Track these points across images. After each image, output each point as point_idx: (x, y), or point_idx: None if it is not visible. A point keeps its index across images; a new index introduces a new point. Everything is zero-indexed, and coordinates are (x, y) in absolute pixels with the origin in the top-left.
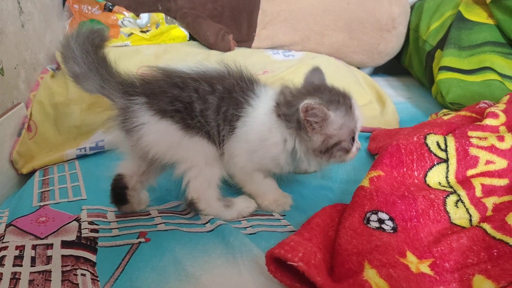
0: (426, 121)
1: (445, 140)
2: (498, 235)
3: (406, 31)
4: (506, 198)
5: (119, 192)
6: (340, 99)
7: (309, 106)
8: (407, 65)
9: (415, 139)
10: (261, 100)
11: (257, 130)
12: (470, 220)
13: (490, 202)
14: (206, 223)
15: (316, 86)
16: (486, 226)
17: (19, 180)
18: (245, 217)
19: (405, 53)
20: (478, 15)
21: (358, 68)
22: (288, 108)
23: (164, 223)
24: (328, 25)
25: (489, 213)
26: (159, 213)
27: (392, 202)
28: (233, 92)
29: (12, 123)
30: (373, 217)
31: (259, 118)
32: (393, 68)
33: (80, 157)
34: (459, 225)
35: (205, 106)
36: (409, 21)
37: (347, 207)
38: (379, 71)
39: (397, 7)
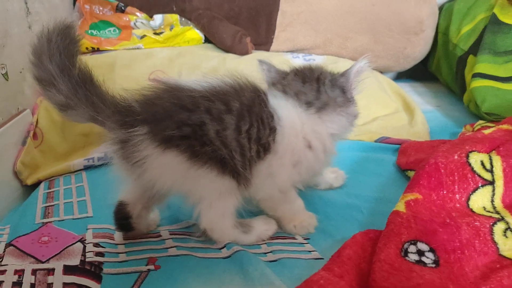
0: (466, 135)
1: (491, 159)
2: None
3: (434, 34)
4: None
5: (123, 222)
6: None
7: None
8: (435, 70)
9: (456, 157)
10: (279, 105)
11: (300, 139)
12: None
13: None
14: (222, 248)
15: (302, 67)
16: None
17: (24, 191)
18: (264, 240)
19: (432, 57)
20: None
21: (381, 72)
22: (316, 91)
23: (175, 246)
24: (352, 27)
25: None
26: (170, 234)
27: (432, 231)
28: (254, 106)
29: (16, 131)
30: (412, 248)
31: (294, 125)
32: (417, 72)
33: (87, 167)
34: (509, 258)
35: (222, 126)
36: (437, 24)
37: (381, 235)
38: (403, 75)
39: (426, 8)
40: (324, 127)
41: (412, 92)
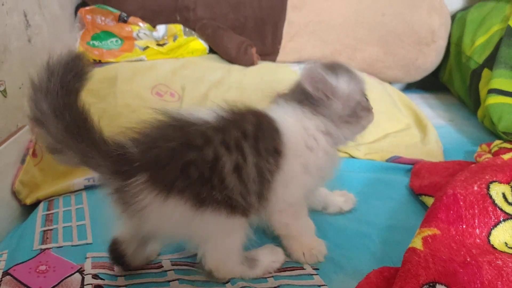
0: (485, 162)
1: None
2: None
3: (446, 45)
4: None
5: (118, 260)
6: (334, 65)
7: (311, 71)
8: (447, 81)
9: (475, 188)
10: (276, 110)
11: (298, 139)
12: None
13: None
14: (227, 282)
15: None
16: None
17: (22, 211)
18: (271, 273)
19: (443, 68)
20: None
21: (390, 83)
22: (299, 93)
23: (178, 279)
24: (361, 38)
25: None
26: (172, 265)
27: (452, 272)
28: (262, 124)
29: (15, 149)
30: None
31: (292, 126)
32: (427, 83)
33: (88, 187)
34: None
35: (242, 155)
36: (449, 34)
37: (397, 274)
38: (412, 86)
39: (437, 18)
40: (311, 123)
41: (423, 105)
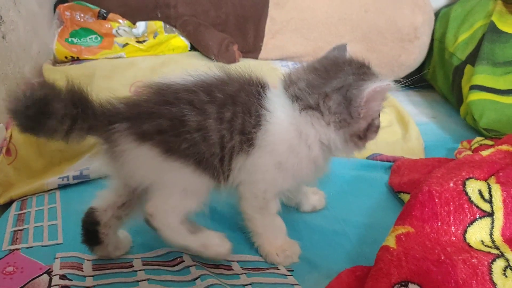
0: (463, 158)
1: (489, 188)
2: None
3: (430, 42)
4: None
5: (89, 229)
6: (366, 70)
7: (383, 89)
8: (430, 78)
9: (451, 185)
10: (275, 102)
11: (284, 140)
12: None
13: None
14: (196, 278)
15: (332, 61)
16: None
17: None
18: (209, 254)
19: (427, 65)
20: None
21: None
22: (321, 97)
23: (147, 279)
24: (344, 35)
25: None
26: (143, 264)
27: (425, 271)
28: (238, 97)
29: None
30: None
31: (283, 123)
32: (415, 81)
33: (63, 186)
34: None
35: (203, 117)
36: (433, 30)
37: (369, 273)
38: (398, 84)
39: (420, 15)
40: (313, 131)
41: (406, 102)
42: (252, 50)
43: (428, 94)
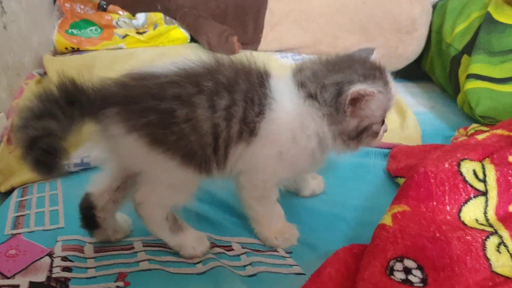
0: (458, 142)
1: (484, 168)
2: None
3: (428, 33)
4: None
5: (87, 214)
6: (376, 74)
7: (366, 94)
8: (428, 70)
9: (446, 166)
10: (281, 91)
11: (288, 129)
12: None
13: None
14: (198, 263)
15: (347, 57)
16: None
17: None
18: (183, 256)
19: (425, 57)
20: (510, 17)
21: None
22: (319, 87)
23: (148, 260)
24: (342, 26)
25: None
26: (143, 246)
27: (421, 247)
28: (236, 85)
29: None
30: (398, 266)
31: (288, 113)
32: (411, 72)
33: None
34: (502, 275)
35: (192, 108)
36: (430, 22)
37: (365, 250)
38: (396, 75)
39: (418, 6)
40: (312, 123)
41: (405, 93)
42: (251, 41)
43: (426, 85)
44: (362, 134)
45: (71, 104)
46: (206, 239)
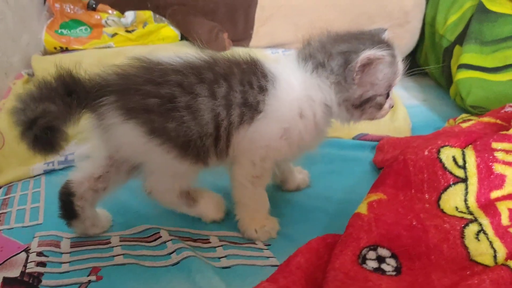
0: (441, 129)
1: (463, 155)
2: None
3: (421, 26)
4: None
5: (65, 201)
6: (383, 46)
7: (376, 58)
8: (423, 63)
9: (426, 153)
10: (280, 69)
11: (294, 106)
12: (495, 256)
13: None
14: (172, 252)
15: (359, 31)
16: None
17: None
18: (206, 221)
19: (420, 50)
20: (502, 6)
21: None
22: (327, 56)
23: (123, 254)
24: (333, 20)
25: None
26: (120, 241)
27: (396, 235)
28: (232, 73)
29: None
30: (371, 255)
31: (293, 89)
32: (409, 66)
33: (48, 172)
34: (480, 263)
35: (192, 95)
36: (424, 14)
37: (339, 239)
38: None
39: None
40: (320, 94)
41: (398, 87)
42: (242, 38)
43: (421, 79)
44: (366, 104)
45: (68, 94)
46: (222, 202)
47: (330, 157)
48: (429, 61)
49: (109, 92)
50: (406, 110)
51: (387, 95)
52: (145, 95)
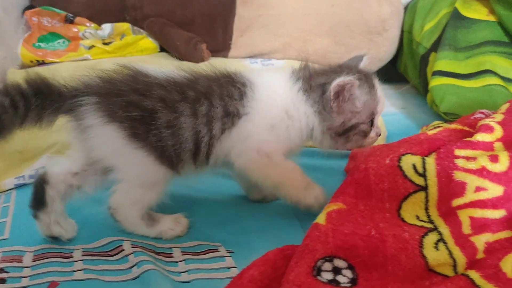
0: (407, 137)
1: (424, 162)
2: (490, 287)
3: (400, 33)
4: (502, 235)
5: (38, 188)
6: (362, 77)
7: (347, 85)
8: (403, 71)
9: (387, 161)
10: (264, 78)
11: (279, 105)
12: (454, 266)
13: (481, 240)
14: (133, 266)
15: (338, 65)
16: (474, 274)
17: None
18: (167, 239)
19: (400, 58)
20: (477, 12)
21: None
22: (309, 87)
23: (83, 269)
24: (311, 29)
25: (479, 255)
26: (83, 255)
27: (352, 245)
28: (211, 91)
29: None
30: (327, 266)
31: (277, 92)
32: (388, 74)
33: (20, 186)
34: (440, 274)
35: (175, 115)
36: (402, 23)
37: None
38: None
39: (388, 7)
40: (307, 106)
41: None
42: (221, 49)
43: (401, 86)
44: (349, 132)
45: (35, 94)
46: (183, 218)
47: (301, 166)
48: (408, 69)
49: (91, 93)
50: (381, 118)
51: (371, 123)
52: (129, 103)
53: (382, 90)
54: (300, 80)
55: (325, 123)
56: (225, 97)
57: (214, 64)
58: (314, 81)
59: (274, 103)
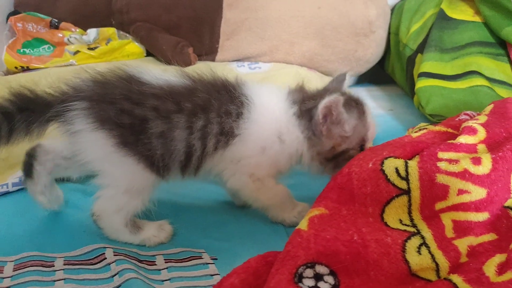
0: (391, 140)
1: (406, 166)
2: None
3: (387, 35)
4: (485, 238)
5: (27, 160)
6: (352, 103)
7: (333, 104)
8: (391, 72)
9: (370, 165)
10: (260, 95)
11: (272, 128)
12: (437, 270)
13: (464, 244)
14: (115, 275)
15: (327, 90)
16: (457, 279)
17: None
18: (151, 246)
19: (387, 60)
20: (463, 13)
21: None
22: (303, 111)
23: (64, 279)
24: (298, 32)
25: (463, 259)
26: (64, 264)
27: (334, 251)
28: (209, 106)
29: None
30: (308, 272)
31: (271, 114)
32: (378, 76)
33: (3, 194)
34: (422, 278)
35: (168, 126)
36: (389, 24)
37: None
38: (364, 80)
39: (374, 9)
40: (298, 132)
41: (366, 96)
42: (208, 52)
43: (390, 88)
44: (339, 157)
45: (20, 111)
46: (167, 224)
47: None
48: (395, 70)
49: (81, 97)
50: None
51: (361, 149)
52: (121, 111)
53: (372, 117)
54: (296, 104)
55: (314, 148)
56: (222, 114)
57: (214, 69)
58: (304, 106)
59: (269, 126)
